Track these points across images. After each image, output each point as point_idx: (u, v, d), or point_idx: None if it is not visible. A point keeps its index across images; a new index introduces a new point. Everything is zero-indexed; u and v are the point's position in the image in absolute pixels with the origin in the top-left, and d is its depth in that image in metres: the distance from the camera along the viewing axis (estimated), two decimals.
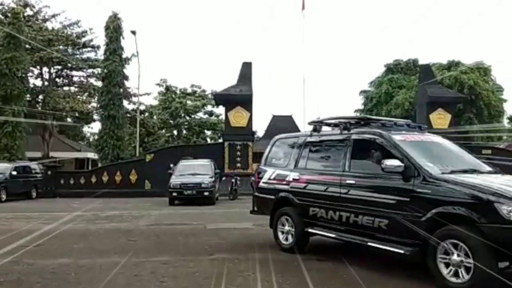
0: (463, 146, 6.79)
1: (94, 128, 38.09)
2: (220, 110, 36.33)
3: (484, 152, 24.50)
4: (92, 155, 34.69)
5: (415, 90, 29.42)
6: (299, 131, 36.48)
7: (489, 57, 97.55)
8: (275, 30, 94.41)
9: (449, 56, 49.49)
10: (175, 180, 16.47)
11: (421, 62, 33.50)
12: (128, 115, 33.11)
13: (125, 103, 31.12)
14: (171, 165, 18.47)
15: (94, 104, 32.21)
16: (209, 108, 42.18)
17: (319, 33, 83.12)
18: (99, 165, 27.71)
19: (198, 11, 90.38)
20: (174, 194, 16.22)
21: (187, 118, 41.73)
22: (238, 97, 22.34)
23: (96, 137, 33.49)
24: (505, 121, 44.73)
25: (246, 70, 23.31)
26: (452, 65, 34.93)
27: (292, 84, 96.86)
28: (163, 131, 41.55)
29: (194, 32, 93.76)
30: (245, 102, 22.46)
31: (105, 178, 22.02)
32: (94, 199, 17.46)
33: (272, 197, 7.12)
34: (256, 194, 7.70)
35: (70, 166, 32.77)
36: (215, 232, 9.11)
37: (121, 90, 27.58)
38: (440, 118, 23.39)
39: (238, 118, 22.61)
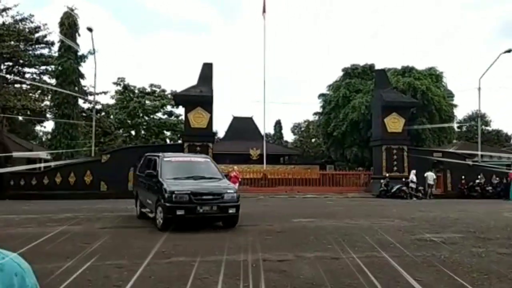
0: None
1: (47, 127, 36.69)
2: (180, 110, 35.95)
3: (435, 155, 25.71)
4: (44, 155, 33.35)
5: (371, 95, 30.27)
6: (259, 132, 36.91)
7: (440, 63, 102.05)
8: (236, 32, 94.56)
9: (404, 62, 51.25)
10: (176, 186, 9.75)
11: (377, 67, 34.60)
12: (84, 114, 32.15)
13: (80, 102, 30.22)
14: (137, 164, 13.44)
15: (48, 103, 31.01)
16: (168, 108, 41.65)
17: (281, 36, 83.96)
18: (52, 165, 26.68)
19: (159, 9, 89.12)
20: (180, 212, 9.45)
21: (146, 118, 40.99)
22: (199, 98, 22.18)
23: (49, 136, 32.23)
24: (455, 126, 46.93)
25: (206, 71, 23.19)
26: (406, 70, 36.17)
27: (253, 86, 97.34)
28: (121, 131, 40.60)
29: (154, 31, 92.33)
30: (206, 103, 22.34)
31: (58, 180, 21.22)
32: (47, 201, 16.79)
33: None
34: None
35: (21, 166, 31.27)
36: (173, 235, 9.01)
37: (76, 88, 26.72)
38: (395, 122, 24.21)
39: (198, 119, 22.44)
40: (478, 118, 35.59)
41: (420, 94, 32.75)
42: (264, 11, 29.89)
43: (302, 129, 63.81)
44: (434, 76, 36.24)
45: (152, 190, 10.47)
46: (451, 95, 37.81)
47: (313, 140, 53.97)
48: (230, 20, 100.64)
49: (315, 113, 44.68)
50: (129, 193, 20.54)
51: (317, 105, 41.88)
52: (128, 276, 5.48)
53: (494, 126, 56.52)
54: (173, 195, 9.41)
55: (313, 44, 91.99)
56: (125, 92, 40.75)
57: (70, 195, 19.49)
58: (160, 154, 11.47)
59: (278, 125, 64.95)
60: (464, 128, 55.18)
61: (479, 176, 24.25)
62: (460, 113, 59.09)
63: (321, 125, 40.78)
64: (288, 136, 66.11)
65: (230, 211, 9.78)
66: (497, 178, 24.44)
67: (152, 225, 10.29)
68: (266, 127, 36.94)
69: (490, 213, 14.58)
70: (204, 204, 9.65)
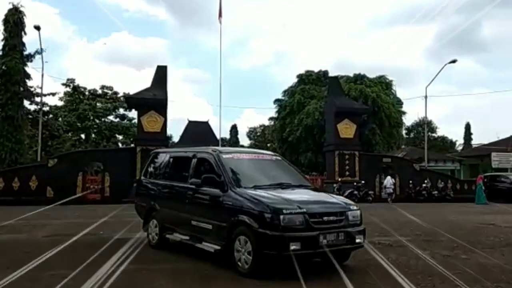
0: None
1: None
2: (133, 114, 35.08)
3: (385, 160, 26.64)
4: None
5: (325, 101, 30.93)
6: (215, 137, 36.71)
7: (389, 72, 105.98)
8: (192, 35, 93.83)
9: (356, 70, 52.89)
10: (279, 203, 5.92)
11: (331, 74, 35.48)
12: (30, 116, 30.67)
13: (26, 103, 28.81)
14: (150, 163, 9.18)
15: None
16: (121, 111, 40.56)
17: (236, 39, 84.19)
18: None
19: (113, 9, 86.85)
20: (295, 245, 5.61)
21: (97, 121, 39.70)
22: (152, 101, 21.72)
23: None
24: (404, 132, 48.90)
25: (160, 74, 22.78)
26: (358, 78, 37.35)
27: (209, 90, 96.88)
28: (69, 134, 39.02)
29: (107, 32, 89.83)
30: (159, 106, 21.91)
31: (0, 185, 20.06)
32: None
33: None
34: None
35: None
36: (123, 242, 8.71)
37: (22, 89, 25.46)
38: (347, 128, 24.85)
39: (151, 122, 21.96)
40: (424, 125, 37.26)
41: (371, 101, 33.89)
42: (220, 15, 29.83)
43: (258, 134, 64.22)
44: (384, 84, 37.64)
45: (208, 207, 6.79)
46: (399, 102, 39.41)
47: (268, 145, 54.42)
48: (186, 23, 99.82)
49: (271, 118, 45.17)
50: (76, 199, 19.85)
51: (272, 110, 42.32)
52: (74, 285, 5.22)
53: (439, 132, 59.40)
54: (281, 217, 5.62)
55: (268, 49, 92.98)
56: (75, 93, 39.29)
57: (13, 201, 18.45)
58: (209, 149, 7.48)
59: (234, 129, 65.00)
60: (412, 135, 57.58)
61: (425, 181, 25.32)
62: (408, 120, 61.59)
63: (277, 130, 41.20)
64: (244, 140, 66.26)
65: (358, 240, 6.18)
66: (442, 183, 25.63)
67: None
68: (222, 132, 36.88)
69: (436, 216, 15.22)
70: (328, 230, 5.88)
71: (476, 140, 56.93)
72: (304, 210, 5.81)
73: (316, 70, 40.54)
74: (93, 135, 40.40)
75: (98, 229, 10.60)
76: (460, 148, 57.61)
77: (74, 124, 38.55)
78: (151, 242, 8.11)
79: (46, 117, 33.61)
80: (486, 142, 42.43)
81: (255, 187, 6.42)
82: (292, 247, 5.55)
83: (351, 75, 38.37)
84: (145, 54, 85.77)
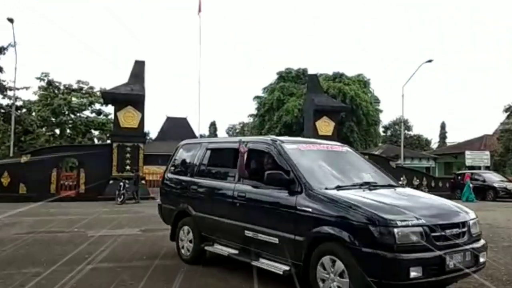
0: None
1: None
2: (110, 109, 34.49)
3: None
4: None
5: (304, 98, 31.08)
6: (193, 133, 36.46)
7: (368, 70, 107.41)
8: (171, 31, 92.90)
9: (335, 68, 53.33)
10: (388, 211, 4.23)
11: (310, 72, 35.67)
12: (2, 110, 29.79)
13: None
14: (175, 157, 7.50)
15: None
16: (97, 106, 39.76)
17: (216, 37, 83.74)
18: None
19: (89, 3, 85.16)
20: (416, 272, 3.96)
21: (72, 116, 38.79)
22: (129, 97, 21.35)
23: None
24: (381, 130, 49.61)
25: (138, 69, 22.43)
26: (337, 76, 37.70)
27: (187, 86, 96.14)
28: (43, 129, 38.01)
29: (84, 25, 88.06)
30: (137, 102, 21.55)
31: None
32: None
33: None
34: None
35: None
36: (99, 239, 8.53)
37: None
38: (325, 125, 25.02)
39: (128, 118, 21.59)
40: (401, 123, 37.84)
41: (349, 99, 34.25)
42: (199, 10, 29.60)
43: (237, 130, 64.14)
44: (362, 82, 38.08)
45: (271, 213, 5.12)
46: (377, 100, 39.99)
47: None
48: (165, 18, 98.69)
49: (250, 115, 45.11)
50: (51, 195, 19.42)
51: (252, 107, 42.27)
52: (47, 284, 5.06)
53: (415, 131, 60.52)
54: (396, 232, 4.03)
55: (249, 46, 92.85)
56: (49, 88, 38.27)
57: None
58: (267, 138, 5.83)
59: (213, 126, 64.80)
60: (389, 132, 58.49)
61: (402, 178, 25.71)
62: (385, 118, 62.51)
63: (256, 127, 41.21)
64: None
65: (482, 259, 4.64)
66: (418, 180, 26.09)
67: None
68: (200, 128, 36.66)
69: None
70: (453, 249, 4.32)
71: (450, 139, 58.36)
72: (423, 221, 4.18)
73: (295, 67, 40.72)
74: (68, 131, 39.50)
75: (73, 227, 10.38)
76: (435, 146, 58.84)
77: (48, 119, 37.57)
78: (184, 256, 6.50)
79: (19, 111, 32.66)
80: (460, 140, 43.43)
81: (338, 188, 4.81)
82: (412, 274, 3.94)
83: (330, 73, 38.69)
84: (122, 48, 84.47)
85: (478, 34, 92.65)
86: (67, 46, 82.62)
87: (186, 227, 6.50)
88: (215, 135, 63.28)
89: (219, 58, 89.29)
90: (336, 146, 6.20)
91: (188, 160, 6.97)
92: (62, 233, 9.53)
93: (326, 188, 4.73)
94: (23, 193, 19.44)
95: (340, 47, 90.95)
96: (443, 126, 61.74)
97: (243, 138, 6.04)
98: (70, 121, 38.79)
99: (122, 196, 18.14)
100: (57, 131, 39.50)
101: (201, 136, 40.46)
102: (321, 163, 5.47)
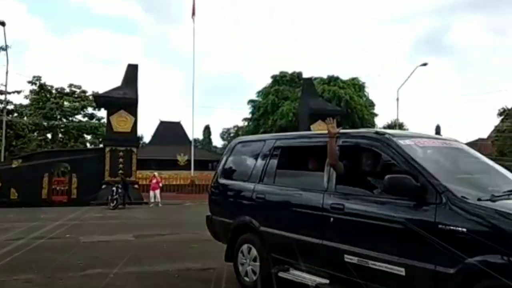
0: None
1: None
2: (103, 113, 34.15)
3: None
4: None
5: (298, 102, 31.01)
6: (187, 137, 36.18)
7: (362, 74, 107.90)
8: (165, 34, 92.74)
9: (330, 71, 53.34)
10: None
11: (305, 75, 35.59)
12: None
13: None
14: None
15: None
16: (90, 110, 39.41)
17: (211, 40, 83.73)
18: None
19: (79, 6, 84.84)
20: None
21: (64, 120, 38.41)
22: (122, 101, 21.14)
23: None
24: None
25: (131, 73, 22.23)
26: (332, 80, 37.69)
27: (182, 90, 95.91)
28: (35, 134, 37.59)
29: (77, 29, 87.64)
30: (130, 106, 21.34)
31: None
32: None
33: None
34: None
35: None
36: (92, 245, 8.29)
37: None
38: (321, 129, 24.89)
39: (121, 122, 21.36)
40: (396, 126, 37.86)
41: (344, 102, 34.23)
42: (193, 14, 29.46)
43: (232, 134, 63.86)
44: (357, 86, 38.09)
45: (389, 232, 3.74)
46: (372, 104, 40.02)
47: None
48: (159, 22, 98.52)
49: (245, 119, 44.95)
50: (43, 201, 19.11)
51: (246, 111, 42.11)
52: None
53: None
54: None
55: (243, 49, 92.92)
56: (41, 92, 37.88)
57: None
58: (370, 132, 4.48)
59: (207, 130, 64.55)
60: None
61: None
62: (380, 121, 62.62)
63: (250, 131, 41.01)
64: (218, 141, 65.86)
65: None
66: None
67: None
68: (194, 133, 36.42)
69: None
70: None
71: None
72: None
73: (290, 71, 40.67)
74: (60, 135, 39.07)
75: (65, 233, 10.13)
76: None
77: (40, 123, 37.14)
78: (245, 281, 5.10)
79: (10, 115, 32.31)
80: None
81: (494, 198, 3.39)
82: None
83: (325, 76, 38.68)
84: (115, 52, 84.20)
85: (478, 33, 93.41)
86: (60, 49, 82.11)
87: (245, 245, 5.17)
88: (209, 139, 63.07)
89: (214, 60, 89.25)
90: (448, 140, 4.73)
91: (248, 162, 5.58)
92: (54, 239, 9.29)
93: (479, 199, 3.34)
94: (14, 198, 19.19)
95: (337, 49, 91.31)
96: (437, 130, 61.99)
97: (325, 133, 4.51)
98: (62, 126, 38.40)
99: (115, 201, 17.88)
100: (49, 135, 39.05)
101: (195, 140, 40.24)
102: (448, 163, 4.21)
